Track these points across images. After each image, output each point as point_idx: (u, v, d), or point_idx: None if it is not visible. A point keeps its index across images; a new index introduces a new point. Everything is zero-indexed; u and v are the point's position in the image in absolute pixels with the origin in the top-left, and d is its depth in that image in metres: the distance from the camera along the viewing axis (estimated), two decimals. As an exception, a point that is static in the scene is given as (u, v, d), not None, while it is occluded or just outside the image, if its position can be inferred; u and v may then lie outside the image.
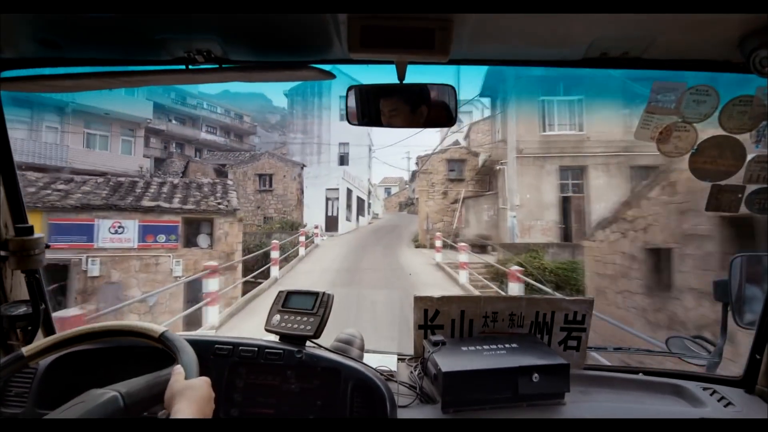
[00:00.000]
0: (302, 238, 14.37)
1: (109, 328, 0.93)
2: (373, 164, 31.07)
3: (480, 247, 14.24)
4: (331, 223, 22.44)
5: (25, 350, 0.86)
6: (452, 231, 18.39)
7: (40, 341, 0.89)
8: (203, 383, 0.78)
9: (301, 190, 23.19)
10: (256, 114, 35.36)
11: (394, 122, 1.04)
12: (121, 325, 0.93)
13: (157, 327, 0.90)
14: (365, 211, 28.63)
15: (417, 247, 18.42)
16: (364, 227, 26.08)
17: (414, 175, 27.70)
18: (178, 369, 0.79)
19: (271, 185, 23.32)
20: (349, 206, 24.22)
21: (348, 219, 24.02)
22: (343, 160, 25.48)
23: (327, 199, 22.90)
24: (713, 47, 0.93)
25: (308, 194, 22.88)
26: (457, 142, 22.50)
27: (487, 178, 18.81)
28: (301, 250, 14.05)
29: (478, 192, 18.85)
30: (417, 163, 23.65)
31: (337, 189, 23.01)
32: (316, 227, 18.32)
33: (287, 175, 23.28)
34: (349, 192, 24.20)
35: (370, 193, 30.57)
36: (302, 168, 23.59)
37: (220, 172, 23.57)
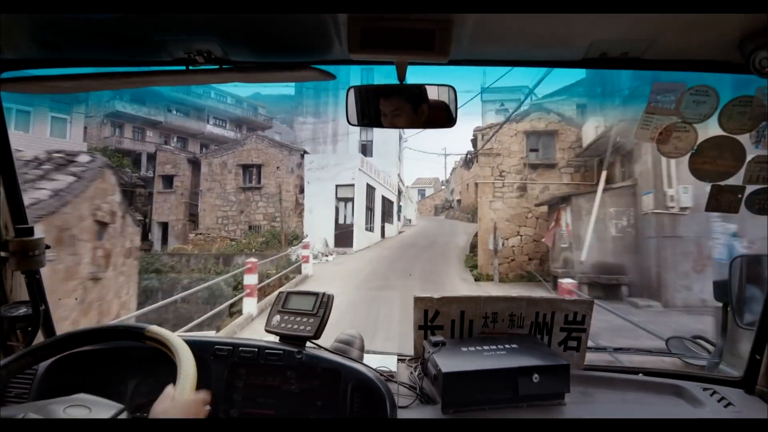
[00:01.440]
0: (251, 280, 7.31)
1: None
2: (405, 159, 24.40)
3: (604, 287, 8.32)
4: (343, 236, 15.58)
5: (148, 329, 0.90)
6: (543, 254, 11.80)
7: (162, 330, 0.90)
8: (190, 406, 0.75)
9: (300, 187, 16.82)
10: (285, 115, 30.21)
11: (396, 122, 1.05)
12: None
13: (169, 333, 0.90)
14: (394, 216, 21.18)
15: (477, 280, 11.83)
16: (392, 239, 18.78)
17: (468, 161, 17.60)
18: (168, 389, 0.77)
19: (259, 180, 17.22)
20: (370, 210, 17.17)
21: (369, 228, 17.01)
22: (365, 150, 19.17)
23: (338, 200, 16.16)
24: (713, 48, 0.93)
25: (311, 193, 16.24)
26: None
27: (596, 163, 11.34)
28: (248, 306, 7.21)
29: (581, 186, 11.20)
30: (473, 140, 14.98)
31: (352, 185, 15.92)
32: (306, 246, 11.30)
33: (282, 166, 17.09)
34: (371, 190, 17.36)
35: (400, 193, 23.06)
36: (302, 156, 17.11)
37: (195, 162, 18.56)
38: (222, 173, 17.58)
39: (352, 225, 15.88)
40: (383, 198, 19.06)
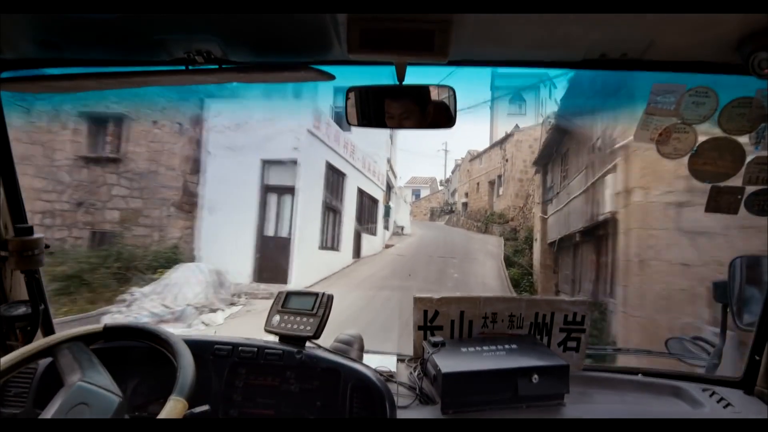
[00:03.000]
0: None
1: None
2: (398, 152, 17.53)
3: None
4: (272, 261, 8.31)
5: (147, 329, 0.94)
6: None
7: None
8: None
9: (194, 162, 8.60)
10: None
11: (404, 124, 1.05)
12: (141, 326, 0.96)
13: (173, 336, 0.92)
14: (378, 221, 13.89)
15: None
16: (373, 262, 11.50)
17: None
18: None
19: (118, 147, 8.58)
20: (332, 211, 10.03)
21: (328, 245, 9.83)
22: (340, 121, 10.56)
23: (265, 192, 8.69)
24: (712, 49, 0.93)
25: (215, 175, 8.50)
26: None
27: None
28: None
29: None
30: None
31: (295, 163, 8.50)
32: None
33: (164, 122, 8.60)
34: (336, 176, 10.18)
35: (390, 189, 16.10)
36: (201, 104, 8.58)
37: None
38: (51, 130, 8.52)
39: (290, 240, 8.30)
40: (361, 193, 11.77)
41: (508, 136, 17.71)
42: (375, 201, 13.53)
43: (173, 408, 0.76)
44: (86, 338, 0.92)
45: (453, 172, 29.86)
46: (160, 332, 0.92)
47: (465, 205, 24.16)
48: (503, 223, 16.58)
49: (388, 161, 15.03)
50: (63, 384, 0.80)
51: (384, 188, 14.56)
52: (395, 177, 17.76)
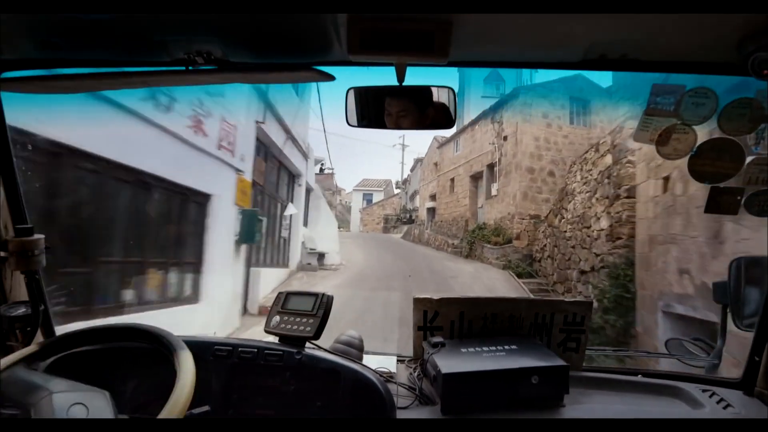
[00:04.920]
0: None
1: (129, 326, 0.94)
2: (355, 155, 11.01)
3: None
4: None
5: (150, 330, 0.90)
6: None
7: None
8: None
9: None
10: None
11: (401, 123, 1.06)
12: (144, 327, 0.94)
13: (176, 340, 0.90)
14: (216, 255, 5.96)
15: None
16: None
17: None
18: None
19: None
20: None
21: None
22: None
23: None
24: (712, 50, 0.93)
25: None
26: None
27: None
28: None
29: None
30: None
31: None
32: None
33: None
34: None
35: (294, 179, 10.06)
36: None
37: None
38: None
39: None
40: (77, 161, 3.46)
41: (506, 99, 11.44)
42: (197, 198, 6.01)
43: None
44: (25, 360, 0.88)
45: (412, 170, 24.11)
46: (165, 335, 0.89)
47: (431, 211, 17.48)
48: (503, 243, 10.13)
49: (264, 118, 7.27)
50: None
51: (239, 166, 6.81)
52: (307, 150, 9.67)
